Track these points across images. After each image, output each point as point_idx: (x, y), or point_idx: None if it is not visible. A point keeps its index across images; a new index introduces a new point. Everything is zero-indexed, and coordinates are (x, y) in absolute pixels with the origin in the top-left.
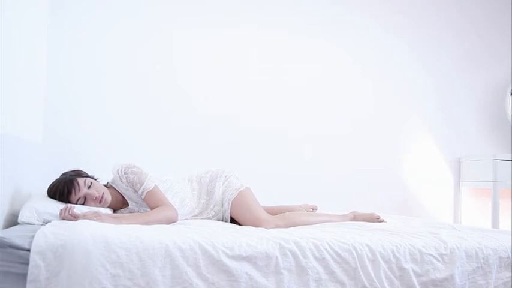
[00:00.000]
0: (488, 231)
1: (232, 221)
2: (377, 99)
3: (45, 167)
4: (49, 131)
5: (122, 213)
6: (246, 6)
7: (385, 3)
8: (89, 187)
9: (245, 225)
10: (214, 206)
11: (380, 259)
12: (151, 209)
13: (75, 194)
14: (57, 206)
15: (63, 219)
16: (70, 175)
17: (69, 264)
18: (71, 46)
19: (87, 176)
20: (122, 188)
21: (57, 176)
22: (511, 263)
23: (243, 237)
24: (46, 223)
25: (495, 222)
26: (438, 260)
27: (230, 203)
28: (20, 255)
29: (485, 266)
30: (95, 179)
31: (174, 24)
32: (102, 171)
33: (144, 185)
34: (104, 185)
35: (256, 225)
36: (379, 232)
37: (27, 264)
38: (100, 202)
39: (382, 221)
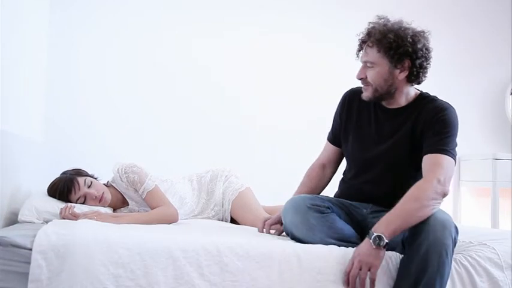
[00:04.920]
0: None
1: (232, 221)
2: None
3: (45, 165)
4: (50, 129)
5: (123, 213)
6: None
7: (385, 3)
8: (89, 186)
9: (245, 226)
10: (215, 206)
11: None
12: (152, 208)
13: (75, 193)
14: (57, 205)
15: (64, 218)
16: (70, 174)
17: (70, 264)
18: (73, 43)
19: (87, 175)
20: (122, 187)
21: (57, 175)
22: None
23: (245, 238)
24: (46, 222)
25: (494, 222)
26: None
27: (230, 203)
28: (21, 254)
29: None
30: (95, 178)
31: (175, 25)
32: (102, 170)
33: (145, 184)
34: (104, 184)
35: (256, 226)
36: None
37: (28, 263)
38: (100, 201)
39: None
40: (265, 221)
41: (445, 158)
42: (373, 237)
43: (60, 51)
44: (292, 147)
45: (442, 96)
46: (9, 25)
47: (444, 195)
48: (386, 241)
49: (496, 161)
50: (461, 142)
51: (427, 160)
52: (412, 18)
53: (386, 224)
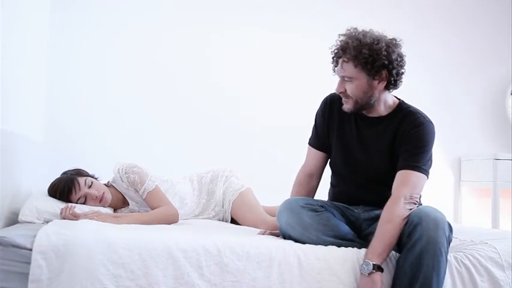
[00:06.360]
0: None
1: (233, 221)
2: None
3: (45, 165)
4: (50, 129)
5: (123, 213)
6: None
7: (384, 4)
8: (89, 186)
9: (245, 226)
10: (215, 207)
11: None
12: (152, 209)
13: (75, 193)
14: (57, 205)
15: (64, 218)
16: (71, 174)
17: (70, 264)
18: (73, 43)
19: (88, 175)
20: (123, 187)
21: (58, 175)
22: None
23: (245, 238)
24: (46, 222)
25: (495, 222)
26: None
27: (231, 203)
28: (22, 254)
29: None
30: (96, 178)
31: (175, 25)
32: (102, 170)
33: (145, 185)
34: (104, 184)
35: (256, 227)
36: None
37: (29, 263)
38: (100, 202)
39: None
40: (265, 231)
41: (415, 175)
42: (361, 266)
43: (60, 51)
44: (293, 147)
45: (442, 95)
46: (9, 25)
47: (414, 204)
48: (373, 263)
49: (496, 161)
50: (461, 142)
51: (398, 176)
52: (412, 18)
53: (372, 251)
